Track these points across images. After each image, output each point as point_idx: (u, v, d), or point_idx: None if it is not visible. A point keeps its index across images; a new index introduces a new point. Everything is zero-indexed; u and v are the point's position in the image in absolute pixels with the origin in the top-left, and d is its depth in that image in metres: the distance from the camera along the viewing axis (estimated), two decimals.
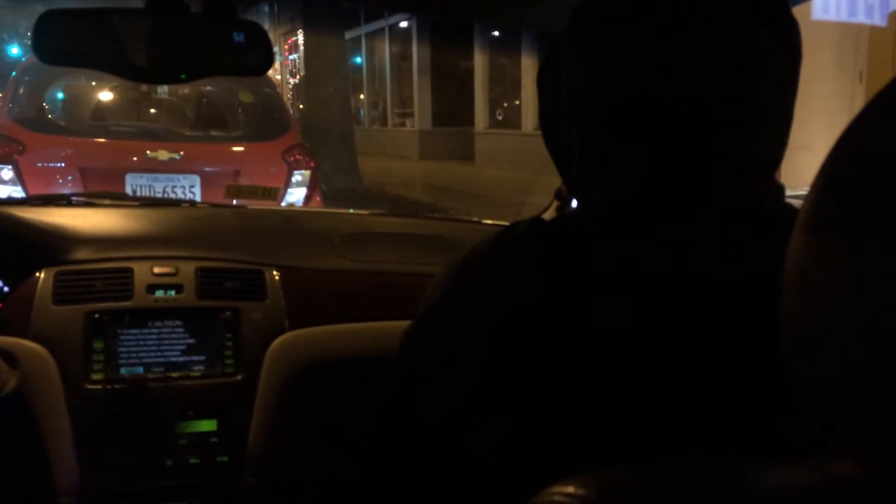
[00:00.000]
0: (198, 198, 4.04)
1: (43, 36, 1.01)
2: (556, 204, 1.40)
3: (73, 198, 1.71)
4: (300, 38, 12.10)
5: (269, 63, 1.10)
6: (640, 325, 0.56)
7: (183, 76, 1.11)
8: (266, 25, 20.06)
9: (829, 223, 0.33)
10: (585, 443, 0.55)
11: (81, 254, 1.39)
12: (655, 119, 0.61)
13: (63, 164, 3.99)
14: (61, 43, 1.04)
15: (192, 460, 1.31)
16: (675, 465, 0.38)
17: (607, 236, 0.60)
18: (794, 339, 0.34)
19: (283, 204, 4.15)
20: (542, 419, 0.57)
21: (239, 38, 1.07)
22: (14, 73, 4.33)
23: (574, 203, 1.29)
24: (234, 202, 2.93)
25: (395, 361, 0.70)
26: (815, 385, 0.33)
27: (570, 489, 0.36)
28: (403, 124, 15.47)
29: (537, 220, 0.66)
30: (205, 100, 4.80)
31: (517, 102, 12.04)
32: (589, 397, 0.56)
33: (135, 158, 4.03)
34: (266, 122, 4.60)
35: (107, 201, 1.71)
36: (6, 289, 1.31)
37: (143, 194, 3.94)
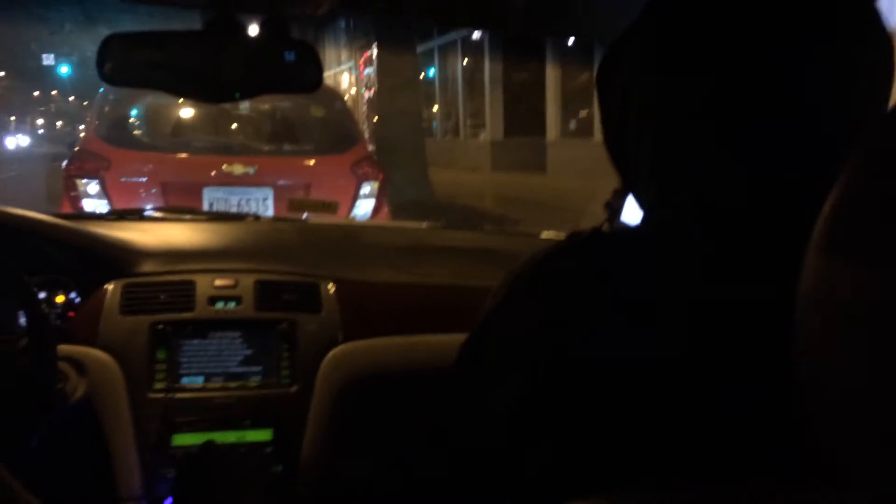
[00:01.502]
0: (270, 210, 4.17)
1: (106, 58, 1.07)
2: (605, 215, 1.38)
3: (146, 212, 1.79)
4: (374, 52, 12.33)
5: (319, 81, 1.12)
6: (693, 354, 0.54)
7: (237, 94, 1.14)
8: (342, 40, 20.61)
9: (843, 243, 0.32)
10: (627, 467, 0.54)
11: (148, 266, 1.45)
12: (733, 137, 0.58)
13: (145, 179, 4.19)
14: (123, 65, 1.09)
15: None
16: (688, 489, 0.37)
17: (670, 257, 0.58)
18: (806, 361, 0.33)
19: (352, 214, 4.23)
20: (587, 441, 0.55)
21: (290, 56, 1.10)
22: (101, 91, 4.58)
23: (625, 214, 1.26)
24: (305, 216, 3.00)
25: (452, 376, 0.70)
26: (825, 410, 0.32)
27: None
28: (476, 135, 15.53)
29: (596, 233, 0.64)
30: (279, 115, 4.95)
31: (589, 111, 11.91)
32: (633, 421, 0.54)
33: (212, 172, 4.20)
34: (336, 135, 4.71)
35: (175, 216, 1.78)
36: (77, 300, 1.38)
37: (219, 207, 4.11)
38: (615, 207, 1.24)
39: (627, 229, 0.67)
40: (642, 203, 0.68)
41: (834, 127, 0.57)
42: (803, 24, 0.57)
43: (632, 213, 1.23)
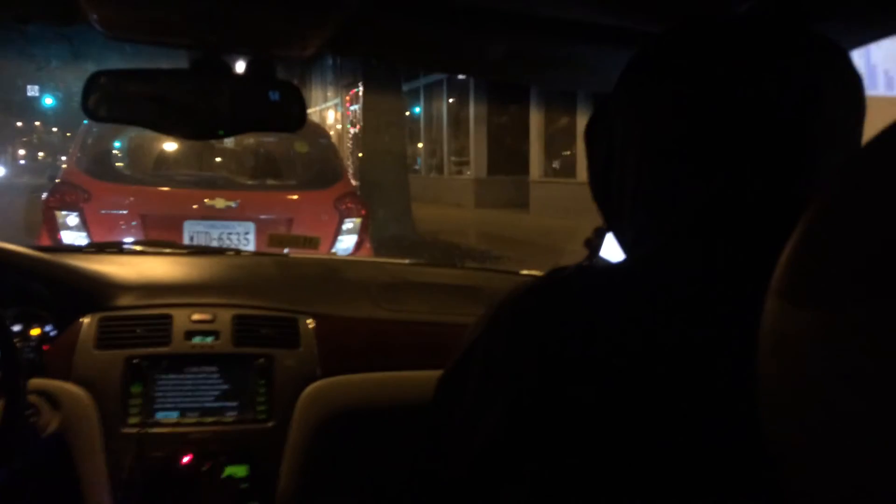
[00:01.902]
0: (252, 244, 4.15)
1: (91, 93, 1.08)
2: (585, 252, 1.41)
3: (124, 245, 1.79)
4: (361, 90, 12.46)
5: (303, 120, 1.14)
6: (670, 391, 0.55)
7: (221, 132, 1.16)
8: (329, 77, 20.79)
9: (800, 288, 0.32)
10: (613, 495, 0.54)
11: (125, 300, 1.45)
12: (711, 169, 0.61)
13: (125, 212, 4.17)
14: (108, 101, 1.10)
15: None
16: None
17: (648, 293, 0.59)
18: (768, 405, 0.34)
19: (333, 250, 4.23)
20: (565, 476, 0.56)
21: (274, 96, 1.12)
22: (84, 123, 4.57)
23: (604, 251, 1.28)
24: (286, 251, 3.00)
25: (430, 411, 0.70)
26: (789, 452, 0.33)
27: None
28: (460, 172, 15.65)
29: (579, 269, 0.65)
30: (262, 150, 4.96)
31: (572, 152, 12.06)
32: (610, 454, 0.55)
33: (193, 206, 4.18)
34: (319, 171, 4.73)
35: (155, 249, 1.78)
36: (53, 332, 1.37)
37: (200, 241, 4.08)
38: (595, 245, 1.27)
39: (608, 266, 0.69)
40: (623, 241, 0.70)
41: (808, 165, 0.60)
42: (780, 64, 0.60)
43: (611, 250, 1.26)
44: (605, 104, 0.71)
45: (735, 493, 0.53)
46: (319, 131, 5.23)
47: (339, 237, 4.31)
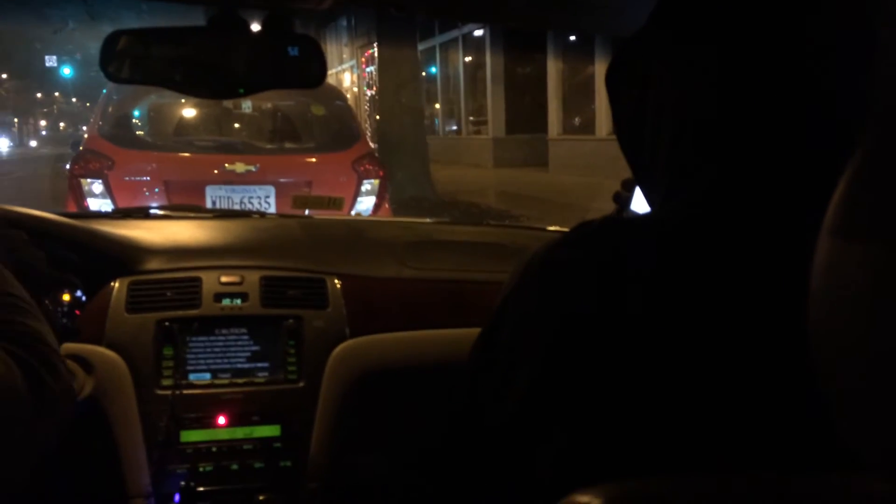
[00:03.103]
0: (272, 207, 4.18)
1: (110, 55, 1.06)
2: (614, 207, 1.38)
3: (150, 210, 1.79)
4: (376, 50, 12.33)
5: (323, 75, 1.12)
6: (704, 341, 0.54)
7: (241, 90, 1.14)
8: (344, 39, 20.61)
9: (854, 226, 0.31)
10: (638, 455, 0.54)
11: (154, 264, 1.45)
12: (746, 140, 0.59)
13: (148, 178, 4.23)
14: (127, 62, 1.09)
15: (257, 464, 1.34)
16: (695, 475, 0.37)
17: (681, 245, 0.58)
18: (822, 347, 0.32)
19: (352, 212, 4.25)
20: (598, 428, 0.55)
21: (293, 51, 1.10)
22: (104, 92, 4.60)
23: (634, 205, 1.25)
24: (307, 212, 3.00)
25: (466, 368, 0.70)
26: (844, 396, 0.32)
27: (584, 499, 0.36)
28: (478, 132, 15.53)
29: (607, 222, 0.64)
30: (280, 114, 4.98)
31: (590, 108, 11.90)
32: (643, 408, 0.54)
33: (214, 171, 4.23)
34: (337, 133, 4.74)
35: (180, 213, 1.78)
36: (83, 298, 1.37)
37: (222, 205, 4.14)
38: (624, 198, 1.24)
39: (638, 218, 0.67)
40: (653, 195, 0.68)
41: (848, 111, 0.57)
42: (815, 39, 0.57)
43: (640, 203, 1.23)
44: (629, 49, 0.68)
45: (774, 447, 0.52)
46: (336, 93, 5.23)
47: (359, 198, 4.34)
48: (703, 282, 0.56)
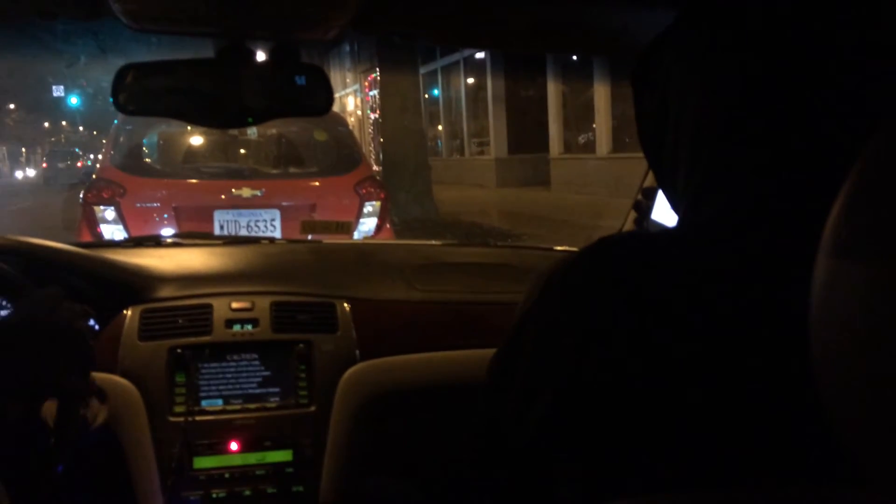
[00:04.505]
0: (278, 230, 4.26)
1: (121, 88, 1.08)
2: (633, 215, 1.36)
3: (161, 238, 1.81)
4: (378, 75, 12.44)
5: (330, 103, 1.14)
6: (724, 360, 0.54)
7: (250, 120, 1.16)
8: (347, 64, 20.79)
9: (850, 245, 0.31)
10: (654, 470, 0.54)
11: (165, 291, 1.46)
12: (770, 140, 0.58)
13: (158, 204, 4.33)
14: (137, 94, 1.11)
15: (270, 490, 1.34)
16: (702, 492, 0.37)
17: (705, 261, 0.57)
18: (823, 368, 0.33)
19: (355, 233, 4.31)
20: (621, 452, 0.55)
21: (301, 80, 1.12)
22: (115, 122, 4.72)
23: (655, 212, 1.23)
24: (310, 237, 3.02)
25: (484, 388, 0.69)
26: (845, 415, 0.32)
27: None
28: (481, 153, 15.58)
29: (629, 235, 0.63)
30: (284, 140, 5.09)
31: (590, 127, 11.95)
32: (665, 429, 0.54)
33: (222, 196, 4.33)
34: (339, 157, 4.84)
35: (191, 241, 1.80)
36: (97, 327, 1.38)
37: (230, 229, 4.23)
38: (645, 207, 1.22)
39: (661, 232, 0.66)
40: (675, 202, 0.67)
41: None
42: (843, 38, 0.56)
43: (661, 212, 1.21)
44: (657, 47, 0.67)
45: (790, 464, 0.52)
46: (338, 119, 5.34)
47: (361, 220, 4.42)
48: (726, 301, 0.55)
